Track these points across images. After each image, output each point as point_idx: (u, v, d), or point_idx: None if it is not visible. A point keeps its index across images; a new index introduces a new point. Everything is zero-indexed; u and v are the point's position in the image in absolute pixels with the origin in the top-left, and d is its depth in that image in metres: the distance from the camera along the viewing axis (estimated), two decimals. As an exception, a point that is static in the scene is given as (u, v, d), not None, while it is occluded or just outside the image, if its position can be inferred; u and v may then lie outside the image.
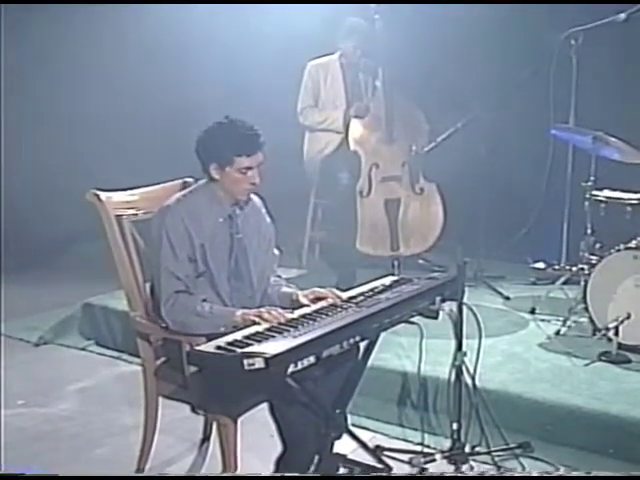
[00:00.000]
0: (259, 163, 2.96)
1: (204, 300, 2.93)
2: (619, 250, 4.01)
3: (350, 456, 3.13)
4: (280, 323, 2.69)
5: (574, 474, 3.15)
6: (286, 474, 2.90)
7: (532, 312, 4.62)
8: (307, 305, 2.92)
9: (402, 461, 3.27)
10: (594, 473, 3.10)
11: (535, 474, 3.17)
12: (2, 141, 6.24)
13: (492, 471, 3.20)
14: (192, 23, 5.92)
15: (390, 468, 3.14)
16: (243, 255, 3.06)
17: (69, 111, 6.27)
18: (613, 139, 4.23)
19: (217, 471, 3.10)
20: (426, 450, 3.33)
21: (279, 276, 3.23)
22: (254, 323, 2.74)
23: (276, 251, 3.24)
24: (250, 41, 5.93)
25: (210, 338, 2.63)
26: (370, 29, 5.13)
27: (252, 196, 3.13)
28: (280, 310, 2.80)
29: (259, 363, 2.32)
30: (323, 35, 5.38)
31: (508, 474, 3.19)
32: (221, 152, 2.92)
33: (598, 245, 4.36)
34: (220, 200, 3.02)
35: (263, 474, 3.10)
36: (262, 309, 2.82)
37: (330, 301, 2.91)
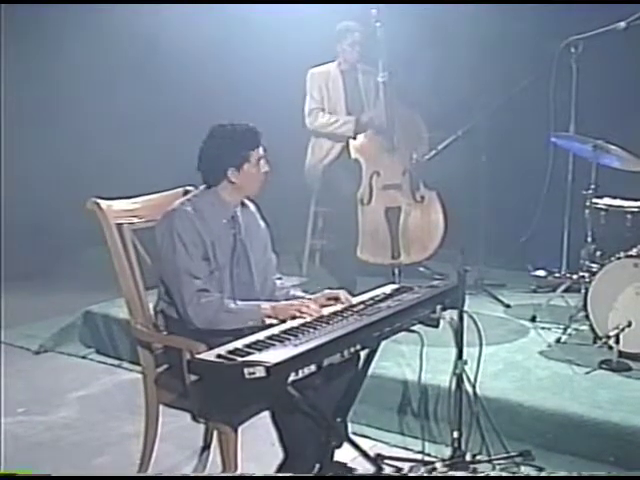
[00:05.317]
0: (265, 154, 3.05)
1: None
2: (619, 258, 4.01)
3: (350, 464, 3.12)
4: (281, 331, 2.69)
5: (572, 475, 3.16)
6: (286, 474, 2.90)
7: (533, 320, 4.61)
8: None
9: (403, 469, 3.25)
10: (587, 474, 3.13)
11: (535, 474, 3.19)
12: (2, 148, 6.25)
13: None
14: (192, 25, 5.90)
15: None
16: (244, 256, 3.08)
17: (70, 119, 6.27)
18: (613, 147, 4.23)
19: (217, 479, 3.11)
20: (427, 458, 3.32)
21: (280, 278, 3.26)
22: (286, 319, 2.79)
23: (273, 255, 3.26)
24: (251, 47, 5.93)
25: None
26: (365, 29, 5.14)
27: (247, 202, 3.17)
28: (313, 306, 2.85)
29: (260, 372, 2.32)
30: (323, 42, 5.39)
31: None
32: (236, 152, 2.98)
33: (599, 253, 4.35)
34: (223, 202, 3.05)
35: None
36: (295, 302, 2.88)
37: (342, 300, 2.96)
